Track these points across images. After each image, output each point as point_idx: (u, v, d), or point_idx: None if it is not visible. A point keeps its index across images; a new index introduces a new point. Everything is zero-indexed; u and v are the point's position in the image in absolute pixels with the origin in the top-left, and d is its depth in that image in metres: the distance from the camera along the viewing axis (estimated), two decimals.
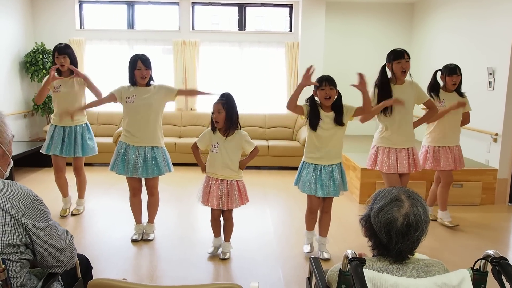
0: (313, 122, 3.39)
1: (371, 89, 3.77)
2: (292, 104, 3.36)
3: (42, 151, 4.40)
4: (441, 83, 4.28)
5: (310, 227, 3.73)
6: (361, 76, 3.28)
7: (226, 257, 3.60)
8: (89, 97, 4.37)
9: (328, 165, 3.47)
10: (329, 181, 3.44)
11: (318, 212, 3.67)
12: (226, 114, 3.36)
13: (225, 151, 3.43)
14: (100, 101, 4.06)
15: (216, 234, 3.72)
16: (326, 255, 3.63)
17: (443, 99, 4.17)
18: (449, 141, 4.26)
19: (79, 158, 4.53)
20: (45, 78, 4.23)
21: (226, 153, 3.44)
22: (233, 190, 3.51)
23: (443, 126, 4.21)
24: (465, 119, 4.37)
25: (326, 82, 3.33)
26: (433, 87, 4.26)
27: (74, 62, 4.33)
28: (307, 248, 3.75)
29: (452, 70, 4.16)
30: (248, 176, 4.76)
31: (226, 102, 3.36)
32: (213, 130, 3.48)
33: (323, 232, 3.69)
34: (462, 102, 4.13)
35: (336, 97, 3.39)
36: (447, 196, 4.38)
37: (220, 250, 3.68)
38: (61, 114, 4.17)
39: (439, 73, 4.31)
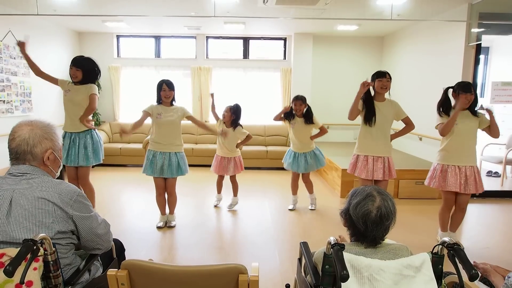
0: (290, 120, 4.38)
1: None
2: (277, 118, 4.44)
3: None
4: (453, 101, 3.37)
5: (294, 192, 4.67)
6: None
7: (232, 208, 4.60)
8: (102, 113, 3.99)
9: (303, 152, 4.41)
10: (304, 163, 4.38)
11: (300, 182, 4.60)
12: (231, 116, 4.34)
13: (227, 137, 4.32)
14: (139, 122, 3.70)
15: (218, 191, 4.68)
16: (313, 207, 4.63)
17: None
18: (459, 161, 3.34)
19: (83, 168, 3.70)
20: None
21: (227, 138, 4.32)
22: (231, 163, 4.42)
23: (452, 144, 3.35)
24: (493, 133, 3.30)
25: (297, 100, 4.29)
26: (443, 104, 3.40)
27: (87, 73, 3.64)
28: (290, 206, 4.67)
29: (465, 88, 3.23)
30: (250, 175, 4.77)
31: (233, 108, 4.35)
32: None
33: (310, 191, 4.63)
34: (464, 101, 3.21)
35: (305, 108, 4.33)
36: (446, 218, 3.53)
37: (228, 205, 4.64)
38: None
39: (450, 90, 3.41)
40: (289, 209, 4.62)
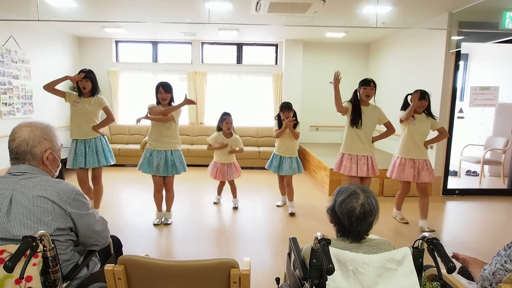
0: (280, 127, 4.30)
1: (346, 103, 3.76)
2: (279, 135, 4.32)
3: (68, 166, 3.78)
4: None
5: (283, 193, 4.72)
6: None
7: (236, 205, 4.65)
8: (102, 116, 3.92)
9: (288, 157, 4.34)
10: (288, 166, 4.31)
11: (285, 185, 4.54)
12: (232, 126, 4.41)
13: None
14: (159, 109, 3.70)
15: (219, 193, 4.78)
16: (292, 210, 4.42)
17: (412, 119, 3.80)
18: (414, 154, 3.83)
19: (99, 168, 3.93)
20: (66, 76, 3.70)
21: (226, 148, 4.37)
22: (231, 168, 4.48)
23: (409, 140, 3.83)
24: (442, 134, 3.88)
25: (285, 108, 4.20)
26: (405, 107, 3.90)
27: (95, 85, 3.80)
28: (279, 203, 4.74)
29: (421, 96, 3.74)
30: (243, 174, 4.76)
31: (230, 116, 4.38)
32: (219, 131, 4.42)
33: (290, 198, 4.49)
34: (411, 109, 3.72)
35: (292, 114, 4.23)
36: (402, 201, 4.18)
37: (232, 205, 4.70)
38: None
39: (409, 96, 3.90)
40: (277, 205, 4.71)
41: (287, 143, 4.32)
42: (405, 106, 3.94)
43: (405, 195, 4.13)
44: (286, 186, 4.49)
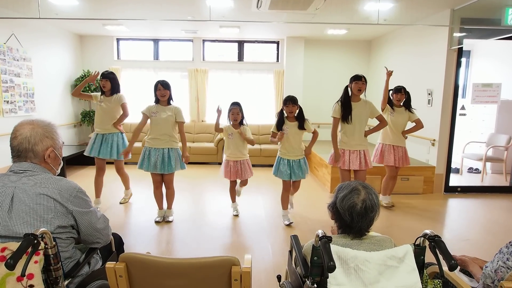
0: (279, 127, 3.79)
1: (335, 104, 3.87)
2: (278, 139, 3.78)
3: (86, 153, 4.16)
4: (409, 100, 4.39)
5: (285, 206, 4.01)
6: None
7: (238, 194, 4.33)
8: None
9: (296, 159, 3.84)
10: (298, 170, 3.83)
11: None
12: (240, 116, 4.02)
13: (237, 138, 3.98)
14: (140, 126, 3.83)
15: (233, 200, 4.27)
16: (290, 207, 4.22)
17: (392, 111, 4.33)
18: (394, 141, 4.34)
19: (119, 161, 4.28)
20: (87, 78, 3.99)
21: (237, 139, 3.99)
22: (244, 166, 4.05)
23: (390, 129, 4.34)
24: (418, 125, 4.35)
25: (290, 101, 3.70)
26: (388, 102, 4.38)
27: (114, 84, 4.09)
28: (287, 222, 3.95)
29: (397, 90, 4.30)
30: None
31: (240, 109, 4.03)
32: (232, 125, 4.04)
33: (292, 192, 4.14)
34: (389, 72, 4.30)
35: (297, 110, 3.76)
36: (389, 186, 4.53)
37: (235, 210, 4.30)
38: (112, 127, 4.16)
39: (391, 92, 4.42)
40: (286, 224, 3.93)
41: (293, 143, 3.78)
42: (388, 101, 4.40)
43: (392, 179, 4.48)
44: (293, 190, 4.07)
